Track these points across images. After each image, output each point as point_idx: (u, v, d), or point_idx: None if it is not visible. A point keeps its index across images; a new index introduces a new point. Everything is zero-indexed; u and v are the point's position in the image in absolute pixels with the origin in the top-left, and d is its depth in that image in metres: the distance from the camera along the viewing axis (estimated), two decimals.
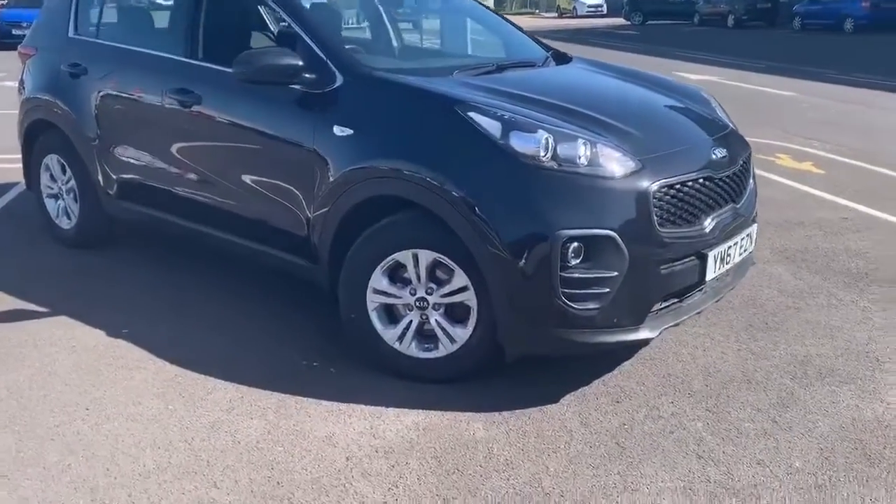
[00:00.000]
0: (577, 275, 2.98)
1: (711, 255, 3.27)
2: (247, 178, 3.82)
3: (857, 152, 7.69)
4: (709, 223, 3.28)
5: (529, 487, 2.70)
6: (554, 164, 3.02)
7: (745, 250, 3.55)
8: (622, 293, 3.01)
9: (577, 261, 2.97)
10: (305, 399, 3.25)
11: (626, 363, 3.51)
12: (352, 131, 3.36)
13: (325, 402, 3.21)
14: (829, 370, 3.46)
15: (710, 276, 3.30)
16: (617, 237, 2.96)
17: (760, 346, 3.68)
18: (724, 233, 3.33)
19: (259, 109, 3.73)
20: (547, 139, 3.03)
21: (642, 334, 3.12)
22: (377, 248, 3.29)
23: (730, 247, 3.39)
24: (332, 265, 3.51)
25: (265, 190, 3.73)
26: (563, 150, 3.04)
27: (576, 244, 2.95)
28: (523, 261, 2.97)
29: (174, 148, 4.15)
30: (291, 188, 3.59)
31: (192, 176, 4.10)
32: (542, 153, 3.02)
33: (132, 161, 4.42)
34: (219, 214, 4.02)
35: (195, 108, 3.96)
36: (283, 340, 3.76)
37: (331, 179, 3.40)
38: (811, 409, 3.15)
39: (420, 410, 3.17)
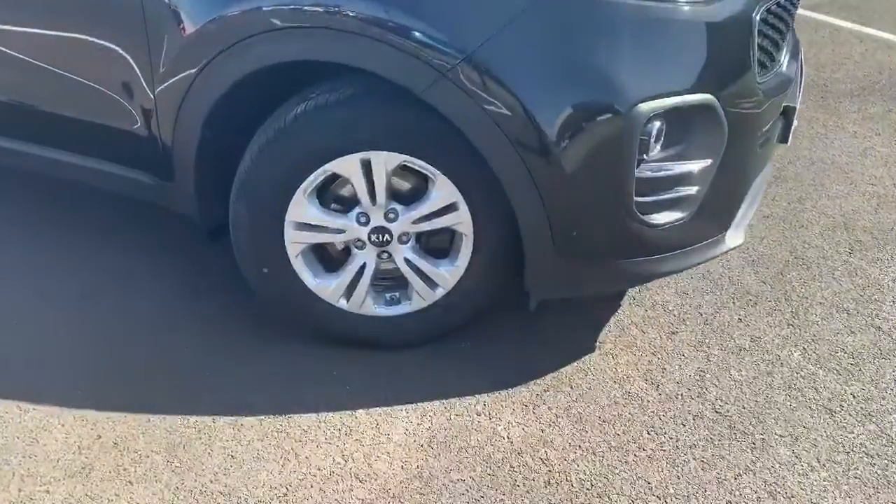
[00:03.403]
0: (657, 173, 1.81)
1: (798, 107, 2.20)
2: (54, 56, 2.17)
3: None
4: (785, 62, 2.17)
5: None
6: None
7: None
8: (714, 189, 1.89)
9: (658, 150, 1.80)
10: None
11: None
12: None
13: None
14: None
15: (790, 140, 2.25)
16: (716, 103, 1.79)
17: None
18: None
19: None
20: None
21: (731, 243, 2.05)
22: (294, 155, 1.90)
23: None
24: (201, 183, 2.10)
25: (79, 67, 2.13)
26: None
27: (658, 124, 1.76)
28: (575, 159, 1.74)
29: None
30: (116, 55, 2.03)
31: None
32: None
33: None
34: (27, 120, 2.36)
35: None
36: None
37: (187, 32, 1.90)
38: None
39: (412, 407, 1.98)
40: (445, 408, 2.00)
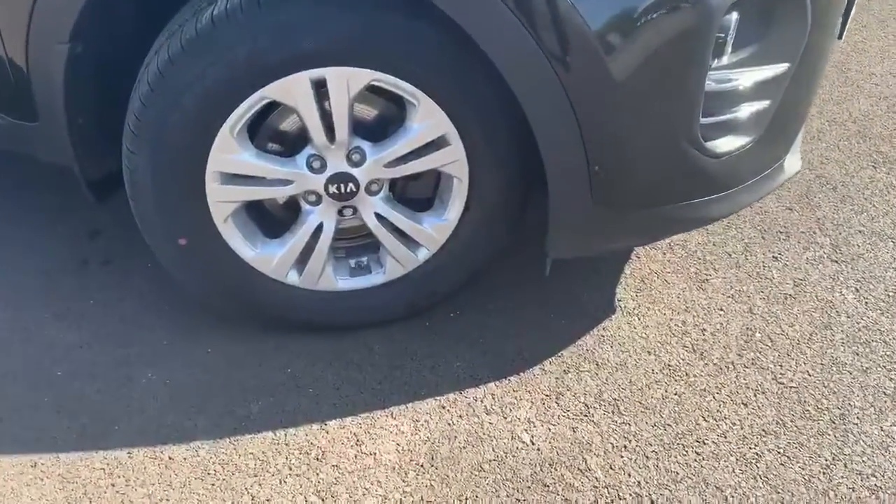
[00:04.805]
0: (723, 84, 1.32)
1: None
2: None
3: None
4: None
5: None
6: None
7: None
8: (784, 102, 1.43)
9: (728, 54, 1.30)
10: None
11: None
12: None
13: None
14: None
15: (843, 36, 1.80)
16: None
17: None
18: None
19: None
20: None
21: (790, 170, 1.61)
22: (214, 77, 1.30)
23: None
24: (76, 121, 1.48)
25: None
26: None
27: (735, 16, 1.26)
28: (628, 66, 1.22)
29: None
30: None
31: None
32: None
33: None
34: None
35: None
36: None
37: None
38: None
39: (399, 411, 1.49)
40: (443, 408, 1.52)
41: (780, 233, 1.99)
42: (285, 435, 1.46)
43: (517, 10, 1.19)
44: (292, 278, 1.56)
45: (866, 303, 1.78)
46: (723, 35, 1.25)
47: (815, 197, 2.12)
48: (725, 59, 1.31)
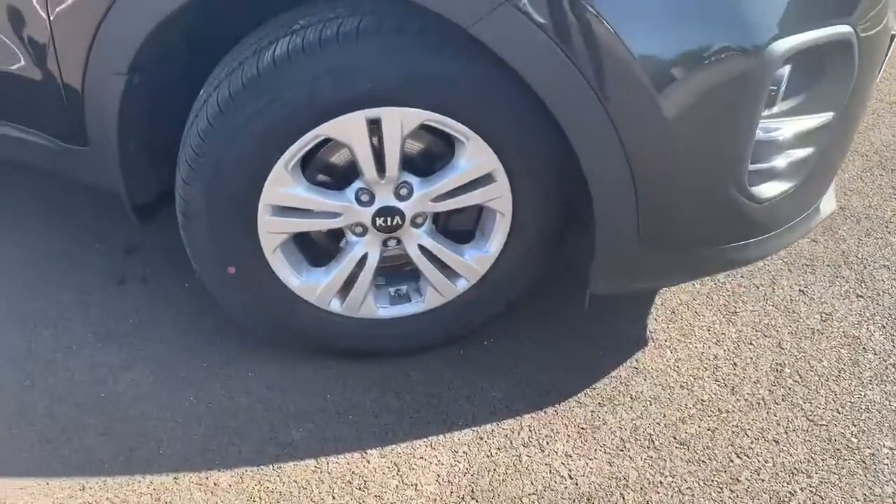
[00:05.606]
0: (771, 133, 1.35)
1: None
2: None
3: None
4: None
5: None
6: None
7: None
8: (827, 148, 1.46)
9: (780, 101, 1.33)
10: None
11: None
12: None
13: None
14: None
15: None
16: (854, 37, 1.32)
17: None
18: None
19: None
20: None
21: (825, 211, 1.64)
22: (274, 115, 1.32)
23: None
24: (127, 148, 1.50)
25: None
26: None
27: (788, 69, 1.29)
28: (683, 115, 1.25)
29: None
30: None
31: None
32: None
33: None
34: None
35: None
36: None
37: None
38: None
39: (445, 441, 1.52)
40: (481, 439, 1.55)
41: (806, 265, 2.02)
42: (327, 463, 1.48)
43: (570, 51, 1.21)
44: (335, 306, 1.58)
45: (893, 340, 1.81)
46: (775, 88, 1.28)
47: (840, 229, 2.15)
48: (776, 109, 1.33)
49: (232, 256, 1.48)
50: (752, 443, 1.57)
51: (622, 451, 1.54)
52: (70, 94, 1.44)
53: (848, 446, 1.58)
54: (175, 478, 1.44)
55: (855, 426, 1.62)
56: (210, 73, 1.42)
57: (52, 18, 1.38)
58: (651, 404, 1.63)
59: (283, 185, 1.39)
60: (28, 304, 1.77)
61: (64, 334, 1.71)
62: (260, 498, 1.42)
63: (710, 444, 1.56)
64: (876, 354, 1.78)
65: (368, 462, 1.49)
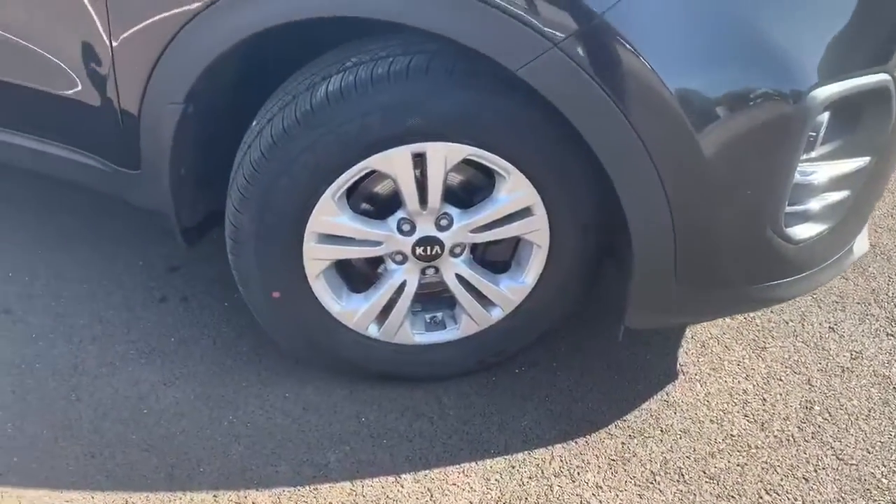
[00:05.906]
0: (807, 176, 1.38)
1: None
2: None
3: None
4: None
5: None
6: None
7: None
8: (865, 191, 1.48)
9: (819, 147, 1.36)
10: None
11: None
12: None
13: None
14: None
15: None
16: (893, 85, 1.35)
17: None
18: None
19: None
20: None
21: (858, 252, 1.66)
22: (324, 148, 1.37)
23: None
24: (178, 174, 1.55)
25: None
26: None
27: (827, 115, 1.32)
28: (723, 158, 1.28)
29: None
30: None
31: None
32: None
33: None
34: None
35: None
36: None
37: None
38: None
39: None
40: (513, 468, 1.57)
41: (836, 302, 2.03)
42: (362, 486, 1.51)
43: (615, 96, 1.25)
44: (372, 331, 1.62)
45: None
46: (814, 133, 1.31)
47: (870, 267, 2.16)
48: (814, 154, 1.36)
49: (277, 281, 1.52)
50: (781, 480, 1.58)
51: (652, 483, 1.56)
52: (127, 119, 1.50)
53: (878, 486, 1.59)
54: (215, 495, 1.48)
55: (885, 466, 1.62)
56: (260, 105, 1.47)
57: (114, 46, 1.43)
58: (681, 438, 1.65)
59: (329, 214, 1.44)
60: (75, 320, 1.82)
61: (108, 350, 1.76)
62: None
63: (739, 480, 1.57)
64: None
65: (402, 487, 1.52)
